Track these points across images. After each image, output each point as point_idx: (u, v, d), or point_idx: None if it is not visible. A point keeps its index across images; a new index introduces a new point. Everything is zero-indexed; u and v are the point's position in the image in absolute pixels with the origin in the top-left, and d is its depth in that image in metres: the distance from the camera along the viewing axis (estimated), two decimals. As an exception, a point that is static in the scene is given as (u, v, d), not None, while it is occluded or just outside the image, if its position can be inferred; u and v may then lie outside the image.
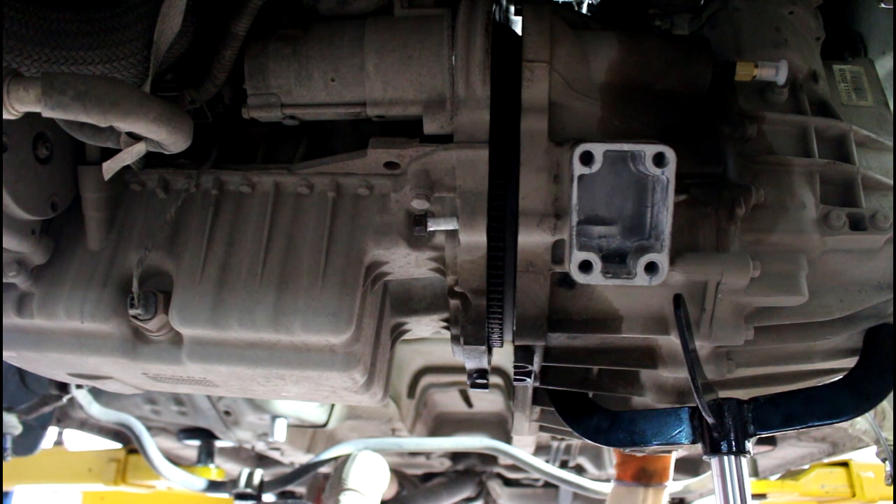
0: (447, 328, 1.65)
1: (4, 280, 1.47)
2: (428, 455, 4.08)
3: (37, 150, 1.39)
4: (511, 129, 1.33)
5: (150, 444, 3.16)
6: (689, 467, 3.85)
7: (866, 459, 3.90)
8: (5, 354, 1.58)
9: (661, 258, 1.24)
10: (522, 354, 1.50)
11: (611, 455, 3.85)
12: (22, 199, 1.35)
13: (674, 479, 3.30)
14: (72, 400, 2.99)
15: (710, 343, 1.38)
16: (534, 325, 1.42)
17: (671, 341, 1.43)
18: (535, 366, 1.54)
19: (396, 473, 4.20)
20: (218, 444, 3.78)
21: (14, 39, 1.12)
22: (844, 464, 3.97)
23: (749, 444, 1.40)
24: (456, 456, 4.20)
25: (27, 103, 1.08)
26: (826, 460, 3.75)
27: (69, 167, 1.48)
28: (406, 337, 1.77)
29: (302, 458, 3.75)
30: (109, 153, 1.35)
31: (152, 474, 3.32)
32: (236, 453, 4.16)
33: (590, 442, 1.60)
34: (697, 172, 1.34)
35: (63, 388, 2.91)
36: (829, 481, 3.95)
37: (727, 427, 1.40)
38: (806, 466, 3.91)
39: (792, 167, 1.36)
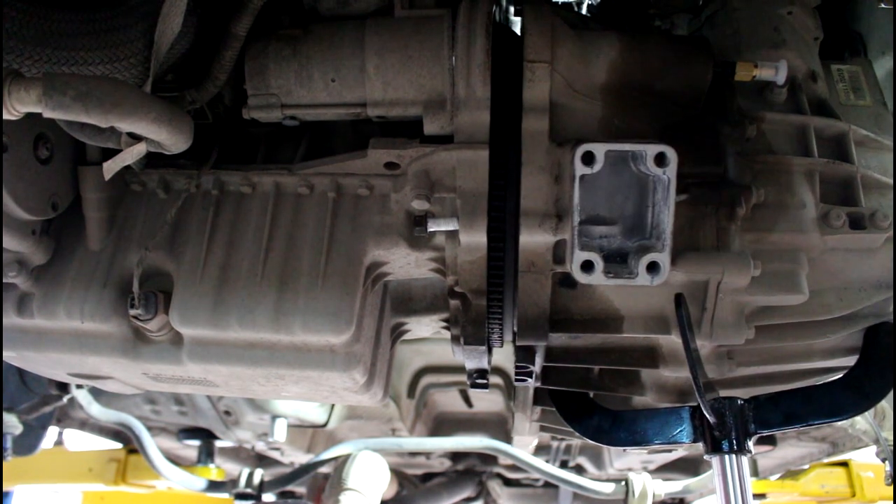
0: (447, 328, 1.65)
1: (5, 280, 1.47)
2: (428, 455, 4.08)
3: (37, 151, 1.39)
4: (511, 130, 1.33)
5: (150, 444, 3.15)
6: (689, 467, 3.85)
7: (866, 459, 3.90)
8: (5, 354, 1.58)
9: (663, 258, 1.24)
10: (523, 355, 1.50)
11: (611, 455, 3.85)
12: (22, 199, 1.35)
13: (674, 479, 3.31)
14: (72, 400, 2.99)
15: (711, 342, 1.38)
16: (535, 326, 1.42)
17: (672, 341, 1.43)
18: (537, 366, 1.54)
19: (396, 473, 4.20)
20: (218, 444, 3.77)
21: (15, 39, 1.12)
22: (844, 464, 3.97)
23: (750, 443, 1.41)
24: (456, 456, 4.20)
25: (28, 104, 1.08)
26: (826, 460, 3.75)
27: (69, 167, 1.48)
28: (406, 337, 1.77)
29: (302, 458, 3.75)
30: (110, 153, 1.35)
31: (152, 474, 3.31)
32: (236, 453, 4.16)
33: (591, 442, 1.60)
34: (698, 172, 1.35)
35: (63, 388, 2.91)
36: (829, 481, 3.95)
37: (728, 426, 1.40)
38: (806, 466, 3.91)
39: (791, 166, 1.36)
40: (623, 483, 3.05)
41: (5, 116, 1.09)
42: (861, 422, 2.86)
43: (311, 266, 1.44)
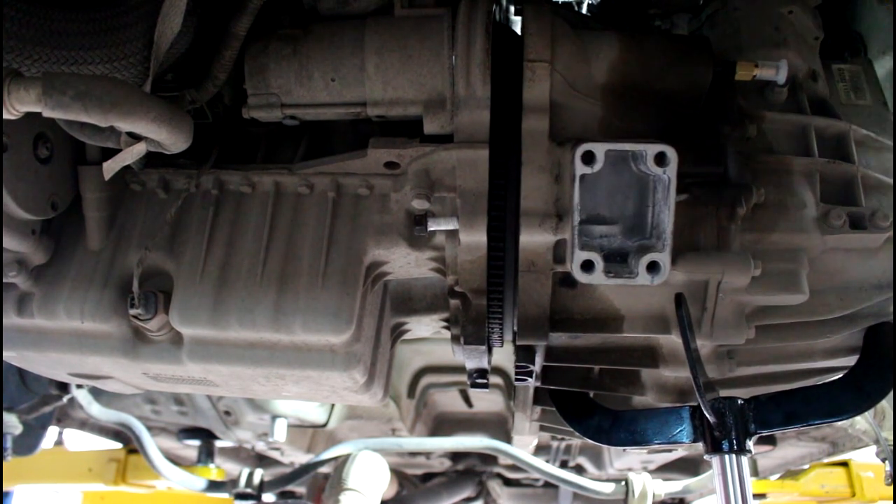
0: (447, 328, 1.65)
1: (4, 280, 1.47)
2: (428, 455, 4.08)
3: (37, 150, 1.39)
4: (511, 129, 1.33)
5: (150, 444, 3.15)
6: (689, 467, 3.85)
7: (866, 459, 3.91)
8: (5, 354, 1.58)
9: (663, 257, 1.24)
10: (524, 354, 1.50)
11: (611, 455, 3.85)
12: (22, 198, 1.35)
13: (674, 479, 3.31)
14: (72, 400, 2.99)
15: (712, 342, 1.38)
16: (535, 325, 1.42)
17: (672, 340, 1.43)
18: (537, 366, 1.54)
19: (396, 473, 4.20)
20: (218, 444, 3.77)
21: (14, 39, 1.12)
22: (844, 464, 3.97)
23: (750, 443, 1.41)
24: (456, 456, 4.20)
25: (28, 103, 1.08)
26: (826, 460, 3.75)
27: (69, 167, 1.48)
28: (406, 337, 1.77)
29: (302, 458, 3.75)
30: (110, 153, 1.35)
31: (152, 474, 3.31)
32: (236, 453, 4.16)
33: (591, 442, 1.60)
34: (698, 172, 1.34)
35: (63, 387, 2.91)
36: (829, 481, 3.95)
37: (728, 426, 1.40)
38: (806, 466, 3.91)
39: (792, 166, 1.36)
40: (623, 483, 3.06)
41: (5, 116, 1.09)
42: (861, 422, 2.86)
43: (310, 266, 1.44)
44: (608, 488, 3.02)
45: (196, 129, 1.36)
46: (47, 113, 1.09)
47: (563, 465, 3.97)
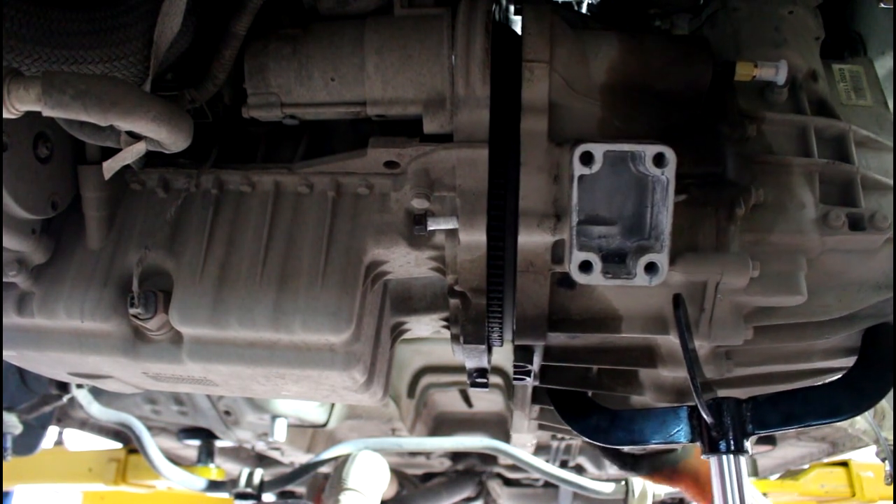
0: (447, 327, 1.65)
1: (5, 279, 1.47)
2: (428, 455, 4.08)
3: (37, 150, 1.39)
4: (511, 129, 1.33)
5: (151, 443, 3.15)
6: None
7: (866, 459, 3.91)
8: (6, 354, 1.58)
9: (661, 258, 1.24)
10: (522, 354, 1.50)
11: (610, 455, 3.85)
12: (22, 198, 1.36)
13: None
14: (72, 399, 2.99)
15: (710, 343, 1.38)
16: (534, 325, 1.42)
17: (670, 341, 1.43)
18: (535, 365, 1.54)
19: (396, 473, 4.20)
20: (218, 444, 3.77)
21: (14, 39, 1.13)
22: (844, 463, 3.97)
23: (748, 444, 1.41)
24: (456, 456, 4.20)
25: (27, 102, 1.08)
26: (826, 460, 3.75)
27: (69, 166, 1.48)
28: (406, 336, 1.77)
29: (302, 458, 3.75)
30: (109, 152, 1.35)
31: (152, 474, 3.32)
32: (236, 453, 4.16)
33: (589, 441, 1.60)
34: (697, 172, 1.35)
35: (63, 387, 2.91)
36: (829, 481, 3.95)
37: (726, 426, 1.40)
38: (806, 466, 3.91)
39: (791, 167, 1.36)
40: (623, 483, 3.06)
41: (5, 115, 1.09)
42: (861, 422, 2.86)
43: (310, 265, 1.44)
44: (608, 488, 3.02)
45: (196, 128, 1.36)
46: (47, 112, 1.09)
47: (563, 465, 3.96)
